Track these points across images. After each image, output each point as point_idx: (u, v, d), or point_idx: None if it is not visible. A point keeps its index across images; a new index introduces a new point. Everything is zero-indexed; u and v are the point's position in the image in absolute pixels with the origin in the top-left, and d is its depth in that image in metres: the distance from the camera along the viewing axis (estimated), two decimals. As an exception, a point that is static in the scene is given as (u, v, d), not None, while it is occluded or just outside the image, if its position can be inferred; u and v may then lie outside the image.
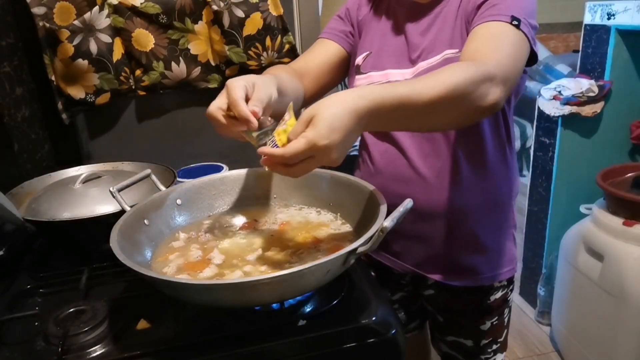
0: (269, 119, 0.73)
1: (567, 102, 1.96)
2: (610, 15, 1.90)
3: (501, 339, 1.10)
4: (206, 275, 0.77)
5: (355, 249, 0.67)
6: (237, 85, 0.72)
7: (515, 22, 0.81)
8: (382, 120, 0.69)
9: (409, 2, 0.97)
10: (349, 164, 3.50)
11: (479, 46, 0.80)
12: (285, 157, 0.64)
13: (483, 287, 1.03)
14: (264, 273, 0.76)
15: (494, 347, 1.09)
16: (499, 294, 1.05)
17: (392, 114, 0.68)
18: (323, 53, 1.04)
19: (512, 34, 0.81)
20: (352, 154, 4.38)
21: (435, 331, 1.15)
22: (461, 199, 0.96)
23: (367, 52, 1.00)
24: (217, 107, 0.72)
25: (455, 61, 0.86)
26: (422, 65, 0.93)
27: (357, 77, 1.00)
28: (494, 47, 0.79)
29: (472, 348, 1.08)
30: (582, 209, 1.90)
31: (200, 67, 1.35)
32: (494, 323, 1.07)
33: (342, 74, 1.07)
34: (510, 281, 1.07)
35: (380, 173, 1.01)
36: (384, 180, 0.99)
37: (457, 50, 0.90)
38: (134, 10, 1.27)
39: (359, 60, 1.01)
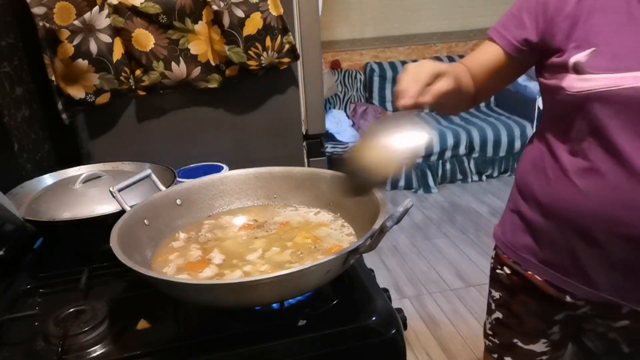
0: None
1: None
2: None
3: None
4: (206, 275, 0.77)
5: (356, 249, 0.67)
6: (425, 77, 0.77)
7: None
8: None
9: None
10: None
11: None
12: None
13: None
14: (264, 273, 0.76)
15: None
16: None
17: None
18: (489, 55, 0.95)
19: None
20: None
21: None
22: None
23: (593, 49, 0.80)
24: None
25: None
26: None
27: (579, 76, 0.82)
28: None
29: None
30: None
31: (200, 67, 1.35)
32: None
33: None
34: None
35: (595, 194, 0.83)
36: (599, 205, 0.82)
37: None
38: (134, 10, 1.27)
39: (579, 57, 0.81)
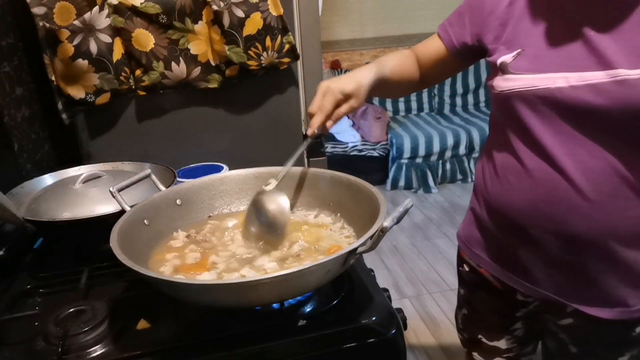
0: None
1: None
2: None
3: None
4: (206, 276, 0.77)
5: (355, 249, 0.67)
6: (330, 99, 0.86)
7: None
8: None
9: None
10: (350, 165, 3.53)
11: None
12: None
13: (632, 319, 0.88)
14: (264, 273, 0.76)
15: None
16: None
17: None
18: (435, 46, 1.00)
19: None
20: (351, 154, 4.37)
21: None
22: (633, 225, 0.80)
23: (519, 50, 0.83)
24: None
25: None
26: (622, 72, 0.72)
27: (504, 76, 0.84)
28: None
29: None
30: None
31: (200, 67, 1.35)
32: (634, 355, 0.93)
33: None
34: None
35: (525, 191, 0.85)
36: (529, 202, 0.84)
37: None
38: (134, 10, 1.27)
39: (506, 58, 0.83)
